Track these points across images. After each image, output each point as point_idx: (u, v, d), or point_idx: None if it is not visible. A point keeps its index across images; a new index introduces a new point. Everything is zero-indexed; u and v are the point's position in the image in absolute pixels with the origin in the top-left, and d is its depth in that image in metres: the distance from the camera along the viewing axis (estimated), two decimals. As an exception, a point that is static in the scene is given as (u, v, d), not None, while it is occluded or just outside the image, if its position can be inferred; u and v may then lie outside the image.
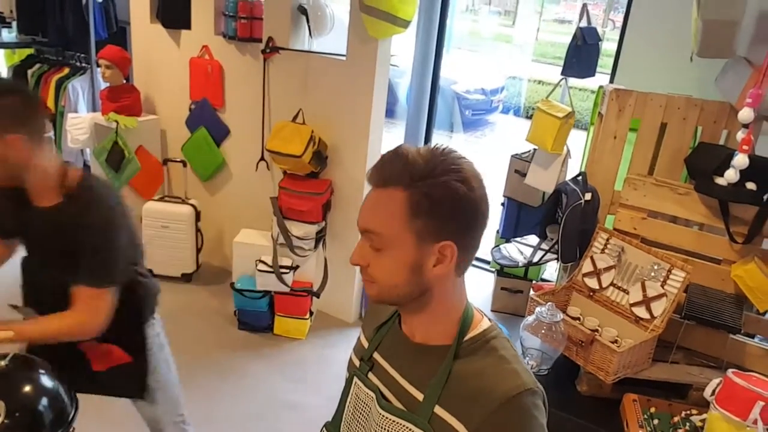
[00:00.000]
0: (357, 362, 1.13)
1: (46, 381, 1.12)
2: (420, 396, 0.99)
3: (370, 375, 1.09)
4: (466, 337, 1.00)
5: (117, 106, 3.65)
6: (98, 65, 3.86)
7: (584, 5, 2.50)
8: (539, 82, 10.64)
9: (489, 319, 1.05)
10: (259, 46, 3.36)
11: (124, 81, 3.81)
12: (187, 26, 3.66)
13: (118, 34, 5.06)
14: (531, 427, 0.93)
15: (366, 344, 1.14)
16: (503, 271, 3.56)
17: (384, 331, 1.11)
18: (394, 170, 0.93)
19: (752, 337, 2.12)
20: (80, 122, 3.78)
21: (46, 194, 1.57)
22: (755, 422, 1.57)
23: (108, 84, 3.78)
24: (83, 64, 4.72)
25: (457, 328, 1.00)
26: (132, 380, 1.87)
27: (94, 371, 1.81)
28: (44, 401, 1.12)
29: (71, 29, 4.75)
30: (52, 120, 4.79)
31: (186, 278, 3.74)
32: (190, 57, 3.65)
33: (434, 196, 0.91)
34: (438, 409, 0.96)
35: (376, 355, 1.10)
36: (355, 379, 1.11)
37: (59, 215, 1.54)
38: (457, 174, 0.92)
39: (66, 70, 4.72)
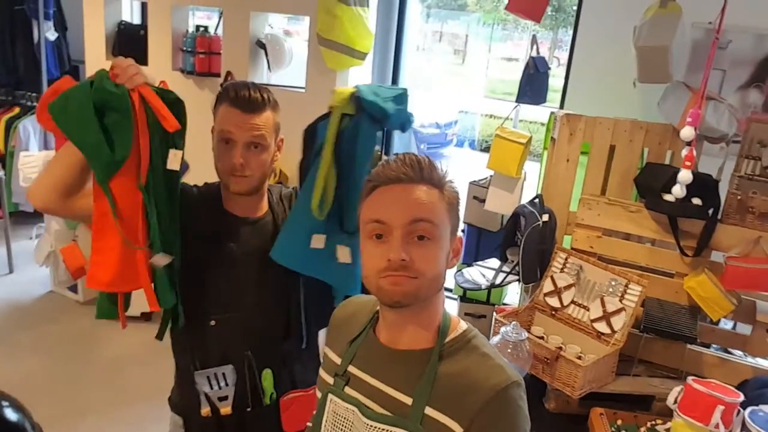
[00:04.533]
0: (330, 379, 1.13)
1: (11, 415, 1.07)
2: (408, 400, 1.01)
3: (347, 389, 1.08)
4: (447, 339, 1.04)
5: (71, 143, 3.59)
6: (51, 103, 3.80)
7: (534, 36, 2.63)
8: (491, 116, 10.96)
9: (465, 323, 1.09)
10: (218, 80, 3.38)
11: (79, 118, 3.76)
12: (144, 62, 3.65)
13: (71, 73, 5.00)
14: (519, 416, 0.99)
15: (338, 360, 1.13)
16: (466, 297, 3.59)
17: (357, 344, 1.11)
18: (425, 170, 1.02)
19: (708, 346, 2.20)
20: (33, 160, 3.70)
21: None
22: (717, 426, 1.62)
23: (62, 121, 3.72)
24: (34, 104, 4.65)
25: (437, 332, 1.04)
26: None
27: None
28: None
29: (22, 68, 4.70)
30: (2, 160, 4.66)
31: (146, 317, 3.64)
32: (147, 93, 3.62)
33: (455, 197, 1.06)
34: (429, 410, 0.98)
35: (352, 369, 1.10)
36: (330, 396, 1.10)
37: None
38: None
39: (16, 110, 4.63)
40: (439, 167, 1.05)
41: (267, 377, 1.58)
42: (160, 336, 1.52)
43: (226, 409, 1.55)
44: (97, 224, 1.37)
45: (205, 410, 1.54)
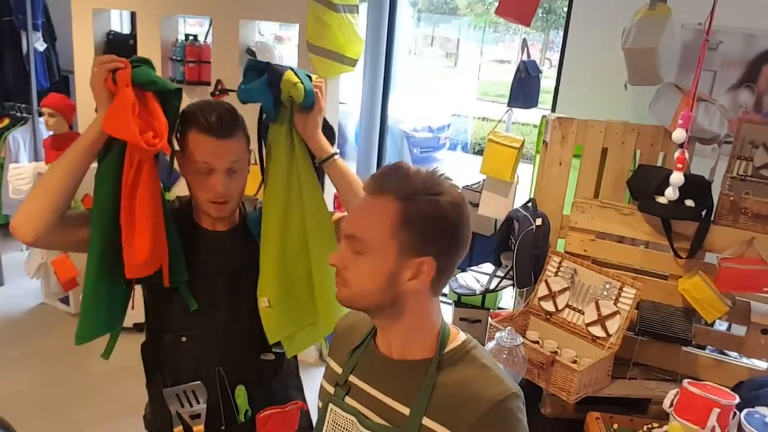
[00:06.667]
0: (331, 389, 1.13)
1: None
2: (406, 410, 1.01)
3: (347, 399, 1.09)
4: (447, 349, 1.03)
5: (61, 154, 3.57)
6: (41, 114, 3.78)
7: (524, 40, 2.63)
8: (484, 119, 10.98)
9: (465, 333, 1.08)
10: (208, 89, 3.37)
11: (69, 129, 3.74)
12: (134, 72, 3.63)
13: (61, 83, 4.98)
14: (518, 428, 0.98)
15: (339, 370, 1.14)
16: (461, 302, 3.59)
17: (359, 354, 1.12)
18: (392, 181, 0.97)
19: (703, 348, 2.19)
20: (22, 172, 3.68)
21: None
22: (713, 429, 1.61)
23: (52, 132, 3.70)
24: (24, 114, 4.62)
25: (437, 341, 1.03)
26: None
27: None
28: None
29: (11, 79, 4.68)
30: (-8, 172, 4.62)
31: (138, 328, 3.60)
32: (137, 102, 3.60)
33: (425, 212, 0.96)
34: (426, 421, 0.98)
35: (353, 378, 1.10)
36: (331, 405, 1.10)
37: None
38: (450, 196, 0.97)
39: (6, 121, 4.60)
40: (419, 177, 0.97)
41: (241, 394, 1.54)
42: (106, 354, 1.48)
43: (198, 427, 1.51)
44: (126, 217, 1.37)
45: (178, 429, 1.49)
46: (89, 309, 1.40)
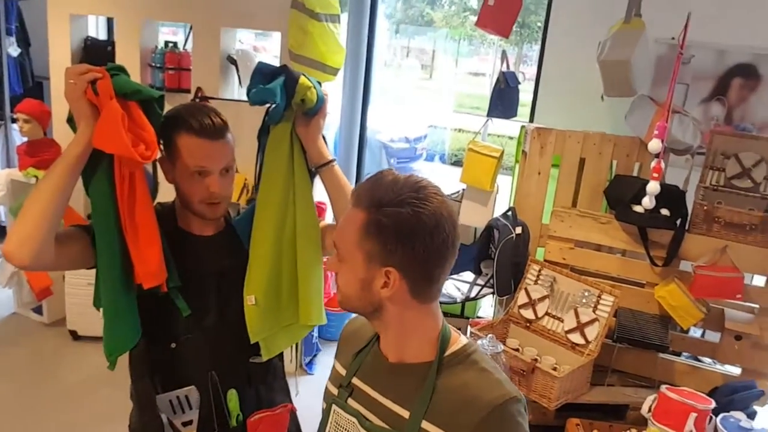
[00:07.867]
0: (335, 390, 1.14)
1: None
2: (406, 413, 1.01)
3: (350, 401, 1.09)
4: (447, 353, 1.03)
5: (36, 160, 3.50)
6: (14, 120, 3.71)
7: (504, 52, 2.68)
8: (460, 130, 11.07)
9: (466, 337, 1.08)
10: (188, 96, 3.34)
11: (44, 135, 3.67)
12: (112, 78, 3.59)
13: (34, 89, 4.89)
14: None
15: (343, 372, 1.15)
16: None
17: (363, 356, 1.12)
18: (364, 192, 0.99)
19: (678, 355, 2.24)
20: (-5, 179, 3.60)
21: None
22: (690, 433, 1.65)
23: (26, 138, 3.63)
24: (-3, 121, 4.53)
25: (437, 345, 1.03)
26: None
27: None
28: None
29: (-17, 85, 4.57)
30: (-39, 179, 4.51)
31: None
32: (114, 109, 3.55)
33: (384, 223, 0.95)
34: (425, 424, 0.98)
35: (356, 380, 1.11)
36: (334, 406, 1.11)
37: None
38: (415, 207, 0.95)
39: (-23, 127, 4.51)
40: (394, 188, 0.97)
41: (232, 398, 1.52)
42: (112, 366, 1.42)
43: None
44: (129, 229, 1.35)
45: None
46: (114, 323, 1.38)
